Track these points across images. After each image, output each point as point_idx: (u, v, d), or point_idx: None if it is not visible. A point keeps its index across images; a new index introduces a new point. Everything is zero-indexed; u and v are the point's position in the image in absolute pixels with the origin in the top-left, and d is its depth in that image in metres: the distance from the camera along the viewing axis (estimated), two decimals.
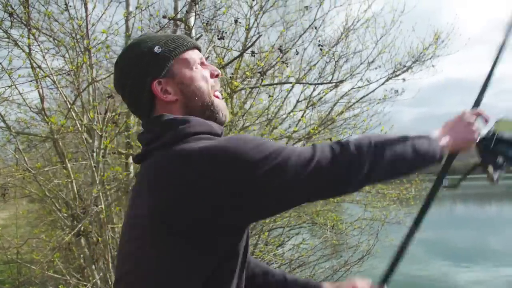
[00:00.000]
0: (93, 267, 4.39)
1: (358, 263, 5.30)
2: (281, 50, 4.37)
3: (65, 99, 3.92)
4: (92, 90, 4.15)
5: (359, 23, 6.02)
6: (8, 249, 4.75)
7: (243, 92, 5.48)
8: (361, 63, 6.21)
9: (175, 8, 4.22)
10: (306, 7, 5.33)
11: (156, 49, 1.11)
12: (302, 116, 5.37)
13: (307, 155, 0.97)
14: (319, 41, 5.18)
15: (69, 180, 4.21)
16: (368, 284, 1.39)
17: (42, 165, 4.53)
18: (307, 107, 5.63)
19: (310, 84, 5.53)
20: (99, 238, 3.98)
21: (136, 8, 3.85)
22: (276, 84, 5.37)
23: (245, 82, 4.67)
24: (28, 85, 3.88)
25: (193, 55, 1.16)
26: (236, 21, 4.39)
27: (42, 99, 4.06)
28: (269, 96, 5.43)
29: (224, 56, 4.88)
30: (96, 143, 4.15)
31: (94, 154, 4.06)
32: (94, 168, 3.91)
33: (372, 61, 6.24)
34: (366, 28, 6.19)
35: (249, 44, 4.42)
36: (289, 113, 5.50)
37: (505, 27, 1.31)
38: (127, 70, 1.14)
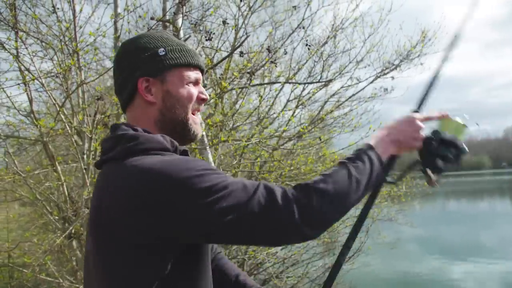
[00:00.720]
0: None
1: (350, 261, 5.33)
2: (269, 50, 4.40)
3: (54, 101, 3.91)
4: (81, 93, 4.16)
5: (347, 22, 6.06)
6: None
7: (233, 92, 5.51)
8: (349, 62, 6.26)
9: (164, 10, 4.23)
10: (294, 7, 5.35)
11: (161, 51, 1.13)
12: (292, 116, 5.40)
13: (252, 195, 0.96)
14: (307, 40, 5.20)
15: (60, 182, 4.21)
16: None
17: (32, 168, 4.53)
18: (297, 107, 5.66)
19: (300, 83, 5.56)
20: None
21: (124, 9, 3.85)
22: (266, 84, 5.40)
23: (234, 83, 4.69)
24: (16, 88, 3.89)
25: (191, 73, 1.16)
26: (224, 22, 4.42)
27: (31, 102, 4.06)
28: (259, 96, 5.46)
29: (213, 57, 4.90)
30: (86, 145, 4.15)
31: (85, 156, 4.06)
32: (84, 171, 3.92)
33: (361, 60, 6.30)
34: (354, 27, 6.24)
35: (238, 45, 4.45)
36: (279, 113, 5.54)
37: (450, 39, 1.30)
38: (128, 56, 1.15)
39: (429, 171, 1.22)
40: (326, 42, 5.96)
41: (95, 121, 3.95)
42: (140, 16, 4.45)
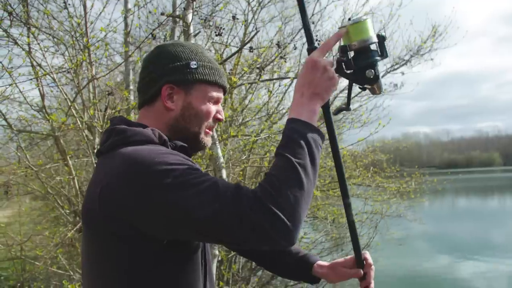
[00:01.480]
0: None
1: None
2: (279, 46, 4.39)
3: (66, 96, 3.95)
4: (92, 88, 4.19)
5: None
6: (12, 246, 4.82)
7: (242, 87, 5.51)
8: None
9: (174, 5, 4.24)
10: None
11: (193, 64, 1.17)
12: None
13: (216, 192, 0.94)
14: (316, 36, 5.18)
15: (71, 177, 4.25)
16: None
17: (43, 163, 4.59)
18: None
19: None
20: None
21: (135, 5, 3.88)
22: (275, 79, 5.40)
23: (244, 78, 4.69)
24: (28, 83, 3.93)
25: (215, 93, 1.20)
26: (234, 18, 4.41)
27: (42, 97, 4.10)
28: (269, 91, 5.46)
29: (223, 52, 4.91)
30: (97, 140, 4.19)
31: (95, 150, 4.10)
32: (95, 165, 3.95)
33: None
34: None
35: (247, 40, 4.45)
36: (288, 108, 5.52)
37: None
38: (160, 60, 1.19)
39: (367, 86, 1.17)
40: None
41: (106, 116, 3.99)
42: (150, 12, 4.46)
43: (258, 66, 4.36)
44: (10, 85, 3.68)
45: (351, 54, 1.16)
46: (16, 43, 3.62)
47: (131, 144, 1.05)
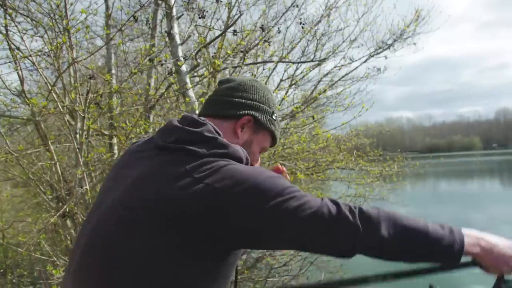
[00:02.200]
0: None
1: None
2: (263, 29, 4.37)
3: (46, 80, 3.87)
4: (73, 71, 4.11)
5: (341, 1, 6.03)
6: None
7: (226, 71, 5.48)
8: (343, 41, 6.25)
9: None
10: None
11: (275, 116, 1.34)
12: (285, 95, 5.40)
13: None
14: (300, 19, 5.17)
15: (53, 162, 4.20)
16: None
17: (24, 148, 4.51)
18: (290, 86, 5.66)
19: (293, 62, 5.55)
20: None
21: None
22: (259, 63, 5.38)
23: (228, 62, 4.66)
24: (6, 67, 3.84)
25: (268, 144, 1.37)
26: (217, 0, 4.36)
27: (22, 81, 4.01)
28: (253, 75, 5.44)
29: (206, 35, 4.86)
30: (79, 124, 4.14)
31: (77, 135, 4.05)
32: (77, 150, 3.91)
33: (354, 39, 6.28)
34: (348, 6, 6.21)
35: (231, 23, 4.40)
36: (272, 92, 5.52)
37: None
38: (257, 94, 1.32)
39: None
40: (319, 21, 5.93)
41: (88, 100, 3.92)
42: None
43: (242, 49, 4.33)
44: None
45: None
46: None
47: (230, 158, 1.12)
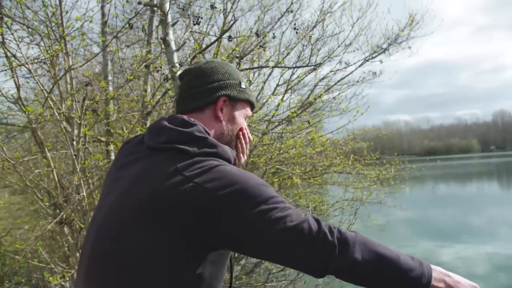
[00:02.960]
0: (78, 254, 4.41)
1: None
2: (258, 35, 4.40)
3: (42, 88, 3.89)
4: (69, 79, 4.13)
5: (336, 6, 6.08)
6: None
7: None
8: (338, 46, 6.29)
9: None
10: None
11: (242, 84, 1.36)
12: (281, 100, 5.43)
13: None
14: (295, 24, 5.20)
15: (50, 169, 4.20)
16: None
17: (21, 155, 4.52)
18: (286, 91, 5.68)
19: (289, 67, 5.57)
20: (82, 226, 4.01)
21: None
22: (255, 68, 5.41)
23: None
24: (3, 75, 3.85)
25: (249, 111, 1.41)
26: (212, 7, 4.39)
27: (18, 88, 4.02)
28: (248, 80, 5.47)
29: (202, 41, 4.89)
30: (75, 131, 4.15)
31: (74, 142, 4.06)
32: (74, 157, 3.92)
33: (349, 44, 6.33)
34: (343, 11, 6.27)
35: (226, 29, 4.43)
36: (268, 97, 5.56)
37: None
38: (217, 73, 1.33)
39: None
40: (314, 26, 5.97)
41: (84, 107, 3.94)
42: (127, 1, 4.41)
43: (237, 55, 4.36)
44: None
45: None
46: None
47: (220, 158, 1.15)
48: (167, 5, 3.85)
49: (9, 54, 3.72)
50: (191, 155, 1.11)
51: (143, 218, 1.05)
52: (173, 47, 3.87)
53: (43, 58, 3.81)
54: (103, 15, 4.42)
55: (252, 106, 1.41)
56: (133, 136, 1.42)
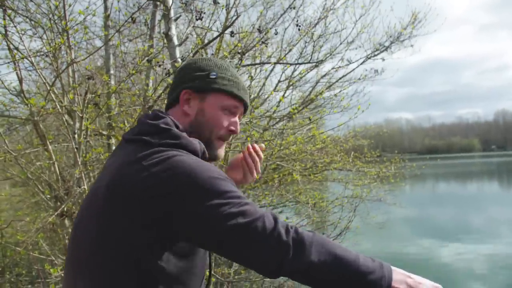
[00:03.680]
0: None
1: (338, 238, 5.45)
2: (260, 31, 4.40)
3: (44, 80, 3.90)
4: (72, 72, 4.14)
5: (338, 3, 6.07)
6: None
7: None
8: (340, 43, 6.29)
9: None
10: None
11: (212, 74, 1.29)
12: (282, 96, 5.43)
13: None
14: (297, 21, 5.20)
15: (51, 162, 4.22)
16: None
17: (23, 148, 4.53)
18: (287, 87, 5.68)
19: (290, 64, 5.57)
20: None
21: None
22: (257, 64, 5.41)
23: None
24: (5, 67, 3.86)
25: (230, 103, 1.30)
26: (215, 2, 4.39)
27: (20, 81, 4.04)
28: (250, 76, 5.47)
29: (204, 36, 4.89)
30: (77, 124, 4.16)
31: (76, 135, 4.07)
32: (76, 150, 3.94)
33: (352, 41, 6.33)
34: (346, 8, 6.26)
35: (229, 24, 4.43)
36: (270, 93, 5.56)
37: None
38: (186, 69, 1.33)
39: None
40: (317, 23, 5.96)
41: (86, 100, 3.95)
42: None
43: (239, 51, 4.36)
44: None
45: None
46: None
47: (183, 149, 1.14)
48: (170, 0, 3.86)
49: (11, 46, 3.74)
50: (151, 145, 1.12)
51: (105, 206, 1.08)
52: (175, 42, 3.88)
53: (46, 51, 3.82)
54: (105, 9, 4.42)
55: (233, 95, 1.30)
56: None
